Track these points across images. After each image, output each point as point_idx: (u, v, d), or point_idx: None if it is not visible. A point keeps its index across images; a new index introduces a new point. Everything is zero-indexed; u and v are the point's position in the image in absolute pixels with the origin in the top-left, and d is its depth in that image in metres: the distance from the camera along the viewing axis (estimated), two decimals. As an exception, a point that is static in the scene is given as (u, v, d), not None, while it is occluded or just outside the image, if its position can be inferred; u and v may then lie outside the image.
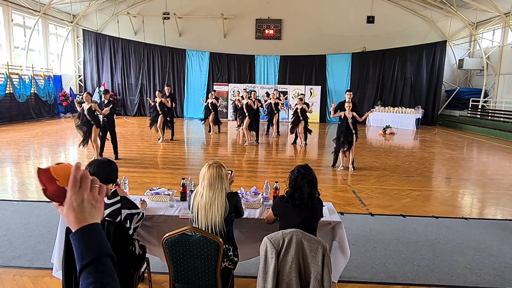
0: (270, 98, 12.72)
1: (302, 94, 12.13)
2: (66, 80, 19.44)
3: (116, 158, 8.17)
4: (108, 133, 8.12)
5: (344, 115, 7.61)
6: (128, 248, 2.53)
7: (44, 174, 0.82)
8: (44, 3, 16.36)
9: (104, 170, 2.66)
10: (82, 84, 20.14)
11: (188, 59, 19.49)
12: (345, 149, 7.72)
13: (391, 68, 19.08)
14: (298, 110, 10.46)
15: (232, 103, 11.07)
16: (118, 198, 2.59)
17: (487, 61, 17.58)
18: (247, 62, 19.52)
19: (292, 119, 11.06)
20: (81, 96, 19.26)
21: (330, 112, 7.87)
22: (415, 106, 17.91)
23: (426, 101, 18.78)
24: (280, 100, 13.26)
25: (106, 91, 8.54)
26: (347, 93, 8.15)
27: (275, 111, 12.63)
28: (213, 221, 2.52)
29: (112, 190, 2.63)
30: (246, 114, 10.48)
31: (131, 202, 2.67)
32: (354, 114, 7.56)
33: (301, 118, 10.49)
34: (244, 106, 10.55)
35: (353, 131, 7.53)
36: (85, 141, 7.75)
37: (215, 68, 19.63)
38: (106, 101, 8.31)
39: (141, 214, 2.68)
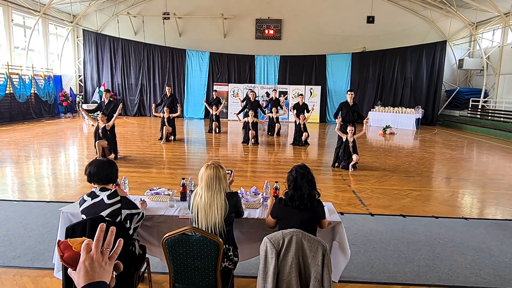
0: (272, 112, 12.68)
1: (301, 94, 12.07)
2: (66, 80, 19.44)
3: (116, 158, 8.18)
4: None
5: (346, 138, 7.76)
6: (128, 248, 2.53)
7: (62, 243, 0.98)
8: (44, 3, 16.36)
9: (104, 170, 2.65)
10: (82, 84, 20.14)
11: (188, 59, 19.49)
12: (341, 165, 7.85)
13: (391, 68, 19.08)
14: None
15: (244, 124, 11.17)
16: (118, 198, 2.58)
17: (487, 61, 17.58)
18: (247, 62, 19.51)
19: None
20: (80, 96, 19.37)
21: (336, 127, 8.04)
22: (415, 106, 17.92)
23: (426, 101, 18.78)
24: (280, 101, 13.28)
25: (107, 90, 8.57)
26: (349, 92, 8.16)
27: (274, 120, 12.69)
28: (212, 222, 2.51)
29: (112, 190, 2.62)
30: (251, 128, 10.64)
31: (131, 202, 2.67)
32: (355, 137, 7.77)
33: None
34: (251, 125, 10.62)
35: (352, 153, 7.72)
36: (110, 151, 8.08)
37: (215, 68, 19.63)
38: (106, 101, 8.33)
39: (141, 214, 2.68)
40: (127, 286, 2.44)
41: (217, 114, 13.07)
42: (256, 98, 12.36)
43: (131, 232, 2.62)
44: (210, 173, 2.56)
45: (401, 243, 4.11)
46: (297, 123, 10.93)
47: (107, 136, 7.92)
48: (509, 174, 8.10)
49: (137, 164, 7.82)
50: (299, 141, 10.85)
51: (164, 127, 10.77)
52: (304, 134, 10.77)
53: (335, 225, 2.97)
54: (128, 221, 2.57)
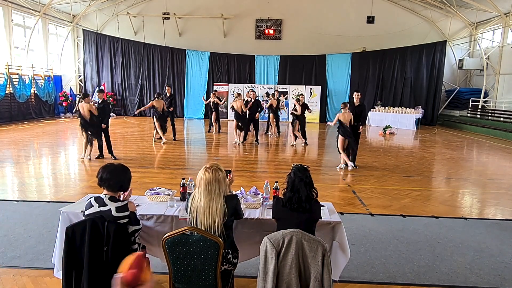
0: (270, 99, 12.74)
1: (301, 94, 11.96)
2: (66, 80, 19.44)
3: (114, 158, 8.20)
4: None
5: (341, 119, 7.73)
6: (128, 248, 2.52)
7: (142, 263, 0.94)
8: (44, 3, 16.36)
9: (116, 177, 2.54)
10: (82, 84, 20.14)
11: (188, 59, 19.49)
12: (346, 145, 7.80)
13: (391, 68, 19.08)
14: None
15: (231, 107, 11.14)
16: (127, 213, 2.51)
17: (487, 61, 17.58)
18: (247, 62, 19.52)
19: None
20: (80, 96, 19.36)
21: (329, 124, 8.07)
22: (415, 106, 17.92)
23: (426, 101, 18.79)
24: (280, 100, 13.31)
25: (100, 91, 8.44)
26: (355, 93, 8.07)
27: (270, 112, 12.65)
28: (212, 226, 2.47)
29: (123, 204, 2.51)
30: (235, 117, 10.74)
31: (137, 219, 2.62)
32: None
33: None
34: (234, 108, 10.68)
35: (349, 131, 7.67)
36: (88, 142, 8.07)
37: (215, 68, 19.63)
38: (100, 101, 8.24)
39: (140, 228, 2.66)
40: (127, 286, 2.44)
41: (216, 103, 12.93)
42: (257, 98, 12.35)
43: (135, 246, 2.60)
44: (209, 176, 2.49)
45: (401, 243, 4.11)
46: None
47: (92, 122, 7.88)
48: (509, 174, 8.10)
49: (137, 164, 7.82)
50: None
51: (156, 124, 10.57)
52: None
53: (335, 225, 2.97)
54: (132, 237, 2.55)
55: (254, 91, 12.24)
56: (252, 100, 11.19)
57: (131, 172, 2.68)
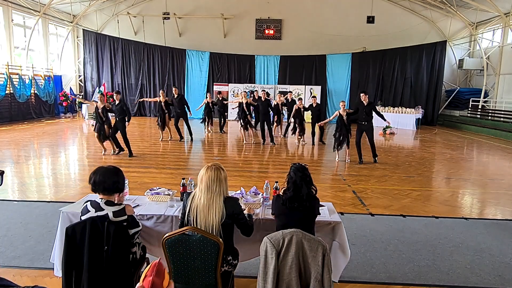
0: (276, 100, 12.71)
1: (314, 96, 11.93)
2: (66, 80, 19.44)
3: (130, 155, 8.50)
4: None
5: (339, 113, 8.30)
6: (129, 248, 2.52)
7: (162, 270, 1.01)
8: (44, 3, 16.36)
9: (110, 179, 2.48)
10: (82, 84, 20.15)
11: (188, 59, 19.50)
12: (341, 143, 8.36)
13: (391, 68, 19.08)
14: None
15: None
16: (125, 217, 2.48)
17: (487, 61, 17.58)
18: (247, 62, 19.53)
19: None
20: (81, 96, 19.37)
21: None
22: (415, 106, 17.92)
23: (426, 101, 18.79)
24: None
25: (118, 92, 8.73)
26: (361, 94, 8.24)
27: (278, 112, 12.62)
28: (210, 225, 2.47)
29: (120, 208, 2.47)
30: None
31: (136, 221, 2.60)
32: (348, 111, 8.45)
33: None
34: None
35: (347, 127, 8.26)
36: (102, 139, 8.47)
37: (215, 68, 19.63)
38: (117, 102, 8.40)
39: (140, 229, 2.65)
40: (127, 286, 2.44)
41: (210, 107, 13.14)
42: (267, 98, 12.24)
43: (135, 250, 2.59)
44: (211, 175, 2.49)
45: (401, 243, 4.11)
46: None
47: (106, 118, 8.29)
48: (509, 174, 8.10)
49: (137, 164, 7.82)
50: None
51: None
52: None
53: (335, 225, 2.96)
54: (132, 239, 2.55)
55: (265, 91, 12.19)
56: (263, 99, 11.17)
57: (123, 174, 2.63)
